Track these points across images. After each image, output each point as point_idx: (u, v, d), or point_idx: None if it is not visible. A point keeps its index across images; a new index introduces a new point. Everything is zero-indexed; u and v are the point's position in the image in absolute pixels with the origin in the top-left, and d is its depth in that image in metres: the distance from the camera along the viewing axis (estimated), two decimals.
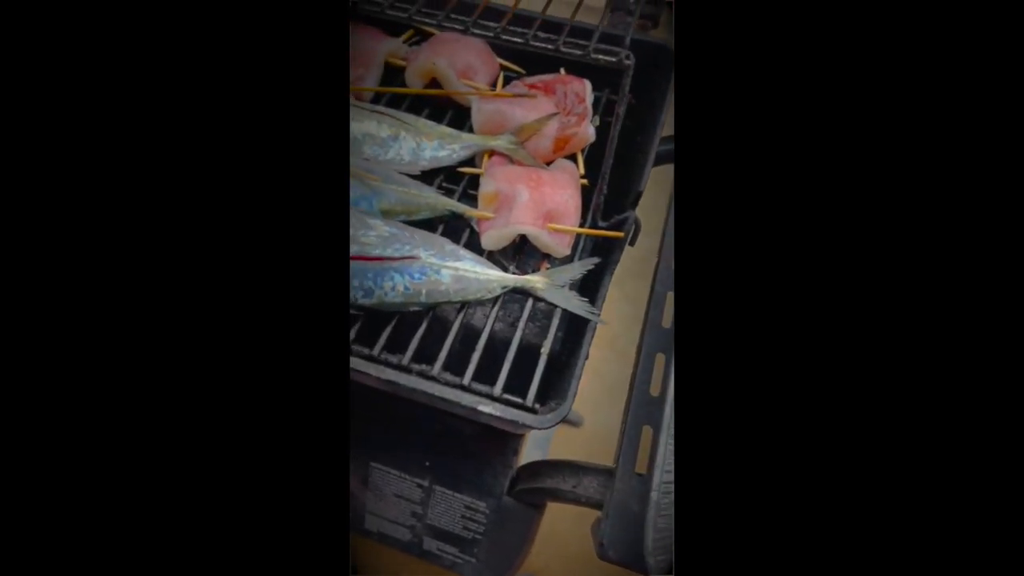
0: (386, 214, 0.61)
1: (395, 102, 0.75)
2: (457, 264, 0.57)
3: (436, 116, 0.74)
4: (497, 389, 0.53)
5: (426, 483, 0.68)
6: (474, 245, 0.63)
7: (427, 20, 0.56)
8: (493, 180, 0.61)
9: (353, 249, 0.55)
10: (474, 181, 0.69)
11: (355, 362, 0.54)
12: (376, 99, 0.75)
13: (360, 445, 0.69)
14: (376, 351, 0.55)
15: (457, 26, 0.56)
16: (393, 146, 0.66)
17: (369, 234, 0.56)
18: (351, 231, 0.56)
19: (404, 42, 0.79)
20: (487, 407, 0.52)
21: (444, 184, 0.69)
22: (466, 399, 0.53)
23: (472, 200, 0.68)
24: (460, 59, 0.72)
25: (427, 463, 0.68)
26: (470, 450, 0.67)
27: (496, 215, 0.60)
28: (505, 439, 0.67)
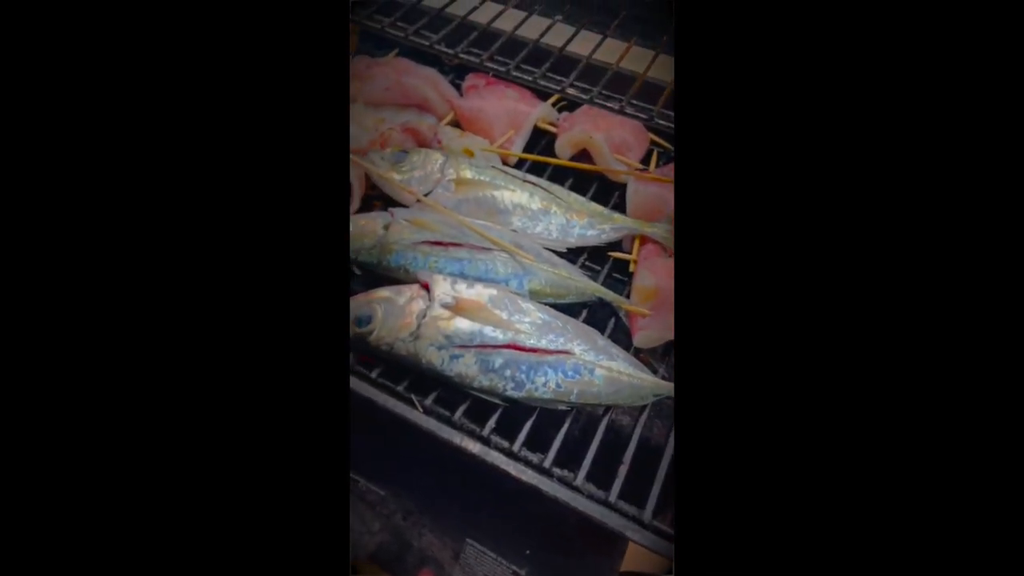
0: (534, 294, 0.59)
1: (536, 164, 0.74)
2: (611, 364, 0.53)
3: (580, 187, 0.72)
4: (647, 514, 0.49)
5: (523, 572, 0.64)
6: (619, 334, 0.60)
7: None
8: (652, 274, 0.58)
9: (508, 336, 0.53)
10: (618, 264, 0.66)
11: (493, 456, 0.51)
12: (519, 163, 0.74)
13: (458, 519, 0.65)
14: (516, 446, 0.51)
15: (570, 90, 0.54)
16: (543, 220, 0.64)
17: (523, 320, 0.54)
18: (505, 315, 0.54)
19: (552, 106, 0.77)
20: (636, 534, 0.48)
21: (587, 263, 0.66)
22: (613, 520, 0.48)
23: (616, 284, 0.65)
24: (616, 134, 0.70)
25: (527, 551, 0.64)
26: (575, 545, 0.63)
27: (654, 313, 0.56)
28: (613, 539, 0.62)
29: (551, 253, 0.62)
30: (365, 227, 0.59)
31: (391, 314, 0.53)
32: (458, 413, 0.53)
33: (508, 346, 0.52)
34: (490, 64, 0.59)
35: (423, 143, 0.72)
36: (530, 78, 0.58)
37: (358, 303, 0.54)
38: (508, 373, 0.52)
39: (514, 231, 0.64)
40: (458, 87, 0.81)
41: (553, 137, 0.76)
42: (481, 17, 0.67)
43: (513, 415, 0.55)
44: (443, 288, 0.54)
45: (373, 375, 0.55)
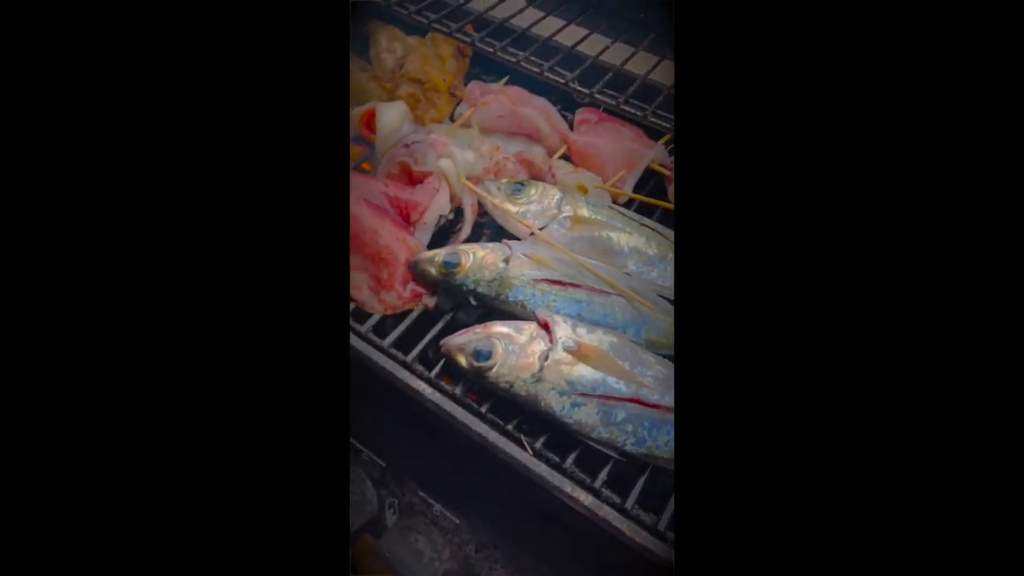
0: (651, 345, 0.57)
1: (643, 206, 0.73)
2: None
3: None
4: None
5: None
6: None
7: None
8: None
9: (631, 389, 0.51)
10: None
11: (606, 511, 0.50)
12: (628, 202, 0.73)
13: (534, 559, 0.64)
14: (629, 504, 0.50)
15: None
16: (659, 266, 0.63)
17: (646, 373, 0.52)
18: (628, 366, 0.53)
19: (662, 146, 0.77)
20: None
21: None
22: None
23: None
24: None
25: None
26: None
27: None
28: None
29: (667, 302, 0.61)
30: (485, 259, 0.59)
31: (512, 352, 0.53)
32: (569, 460, 0.52)
33: (632, 400, 0.51)
34: (626, 108, 0.59)
35: (536, 175, 0.72)
36: (669, 125, 0.57)
37: (477, 336, 0.54)
38: (630, 428, 0.51)
39: (628, 275, 0.63)
40: (565, 119, 0.81)
41: (662, 178, 0.75)
42: (613, 58, 0.67)
43: (629, 473, 0.53)
44: (564, 331, 0.54)
45: (483, 409, 0.55)
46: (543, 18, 0.71)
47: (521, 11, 0.71)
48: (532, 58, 0.64)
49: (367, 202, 0.63)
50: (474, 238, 0.69)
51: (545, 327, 0.54)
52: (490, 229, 0.70)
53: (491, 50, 0.65)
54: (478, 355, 0.53)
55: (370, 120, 0.73)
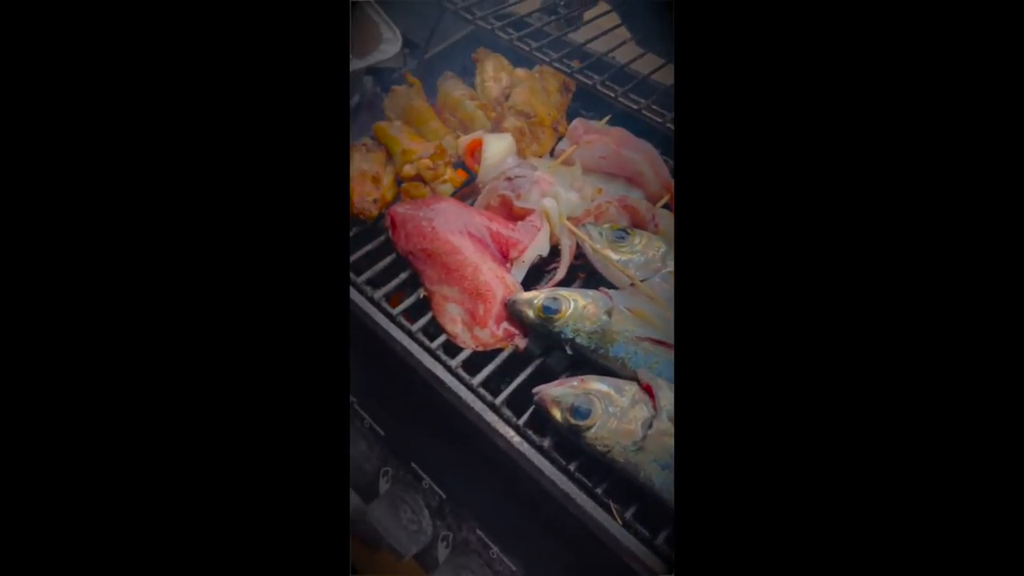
0: None
1: None
2: None
3: None
4: None
5: None
6: None
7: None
8: None
9: None
10: None
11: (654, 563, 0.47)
12: None
13: None
14: None
15: None
16: None
17: None
18: None
19: None
20: None
21: None
22: None
23: None
24: None
25: None
26: None
27: None
28: None
29: None
30: (586, 309, 0.57)
31: (612, 415, 0.50)
32: (660, 538, 0.49)
33: None
34: None
35: (638, 223, 0.70)
36: None
37: (575, 391, 0.52)
38: None
39: None
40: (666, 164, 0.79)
41: None
42: None
43: None
44: (669, 398, 0.51)
45: (571, 468, 0.53)
46: (663, 65, 0.69)
47: (641, 56, 0.70)
48: (654, 107, 0.63)
49: (471, 235, 0.62)
50: (568, 280, 0.67)
51: (648, 391, 0.52)
52: (585, 272, 0.68)
53: (612, 95, 0.64)
54: (576, 412, 0.51)
55: (475, 149, 0.73)
